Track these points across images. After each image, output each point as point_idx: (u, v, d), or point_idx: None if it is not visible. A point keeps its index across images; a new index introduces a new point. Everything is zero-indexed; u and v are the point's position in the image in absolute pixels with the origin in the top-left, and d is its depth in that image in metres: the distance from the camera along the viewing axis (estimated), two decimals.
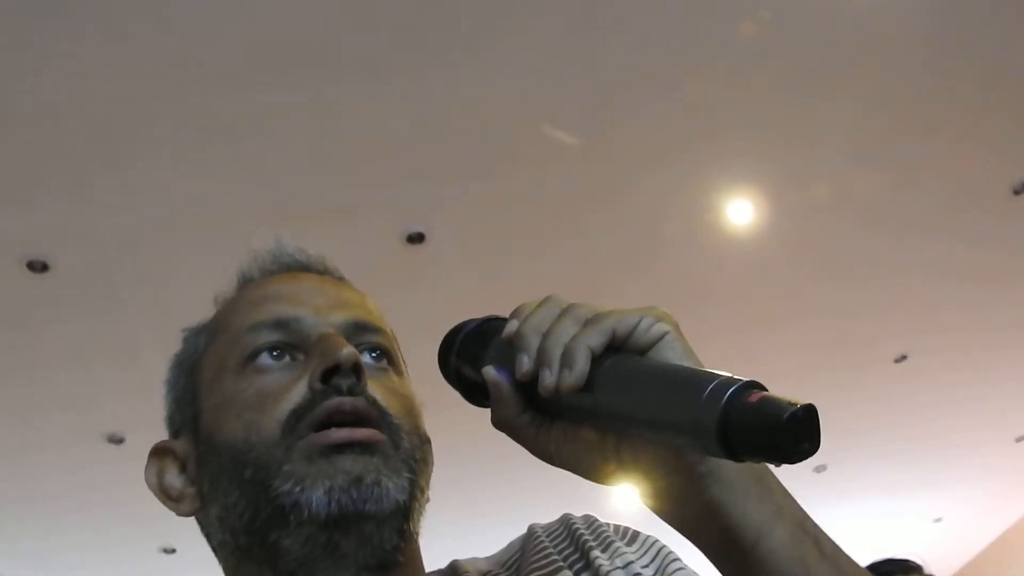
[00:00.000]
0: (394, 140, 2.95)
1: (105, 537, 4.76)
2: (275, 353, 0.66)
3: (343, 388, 0.63)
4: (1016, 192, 3.52)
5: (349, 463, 0.61)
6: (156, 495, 0.70)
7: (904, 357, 4.36)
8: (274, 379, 0.65)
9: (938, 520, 6.00)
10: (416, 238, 3.31)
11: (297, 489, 0.61)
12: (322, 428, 0.62)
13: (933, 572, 2.19)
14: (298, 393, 0.64)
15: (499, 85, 2.82)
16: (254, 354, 0.66)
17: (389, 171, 3.05)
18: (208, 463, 0.67)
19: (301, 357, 0.66)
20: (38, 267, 3.15)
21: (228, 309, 0.72)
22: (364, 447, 0.62)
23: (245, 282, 0.74)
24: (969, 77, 3.04)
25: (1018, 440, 5.24)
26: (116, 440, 4.01)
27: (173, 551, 4.79)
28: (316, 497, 0.60)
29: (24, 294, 3.25)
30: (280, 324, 0.67)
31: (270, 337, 0.67)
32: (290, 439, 0.62)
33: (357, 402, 0.63)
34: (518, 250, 3.44)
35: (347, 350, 0.63)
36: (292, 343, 0.67)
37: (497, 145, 3.03)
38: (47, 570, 5.04)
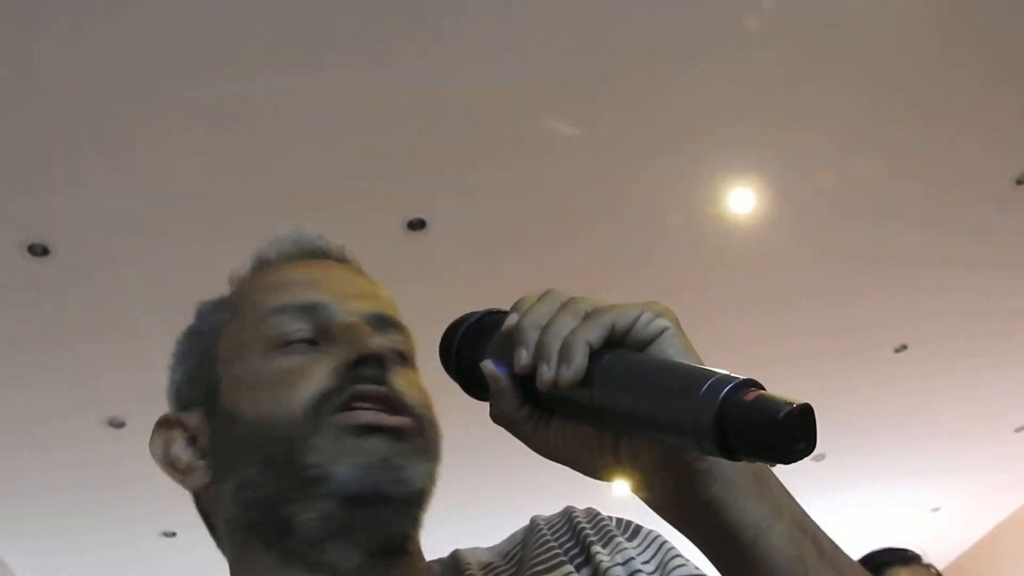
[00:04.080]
0: (395, 126, 2.94)
1: (106, 520, 4.78)
2: (300, 336, 0.67)
3: (370, 377, 0.65)
4: (1019, 182, 3.51)
5: (377, 444, 0.63)
6: (161, 467, 0.70)
7: (904, 347, 4.36)
8: (299, 360, 0.66)
9: (936, 510, 6.01)
10: (417, 224, 3.30)
11: (325, 463, 0.62)
12: (347, 410, 0.64)
13: (931, 561, 2.19)
14: (324, 376, 0.65)
15: (500, 72, 2.81)
16: (279, 335, 0.67)
17: (390, 157, 3.05)
18: (225, 437, 0.67)
19: (324, 343, 0.67)
20: (39, 251, 3.15)
21: (250, 289, 0.73)
22: (392, 432, 0.64)
23: (263, 263, 0.74)
24: (972, 67, 3.03)
25: (1017, 430, 5.25)
26: (117, 424, 4.02)
27: (173, 534, 4.81)
28: (343, 472, 0.62)
29: (24, 278, 3.25)
30: (306, 308, 0.68)
31: (296, 321, 0.68)
32: (317, 418, 0.63)
33: (382, 390, 0.65)
34: (518, 237, 3.44)
35: (375, 342, 0.65)
36: (316, 329, 0.68)
37: (498, 132, 3.02)
38: (48, 553, 5.06)
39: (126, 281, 3.33)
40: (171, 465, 0.69)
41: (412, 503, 0.64)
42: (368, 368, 0.65)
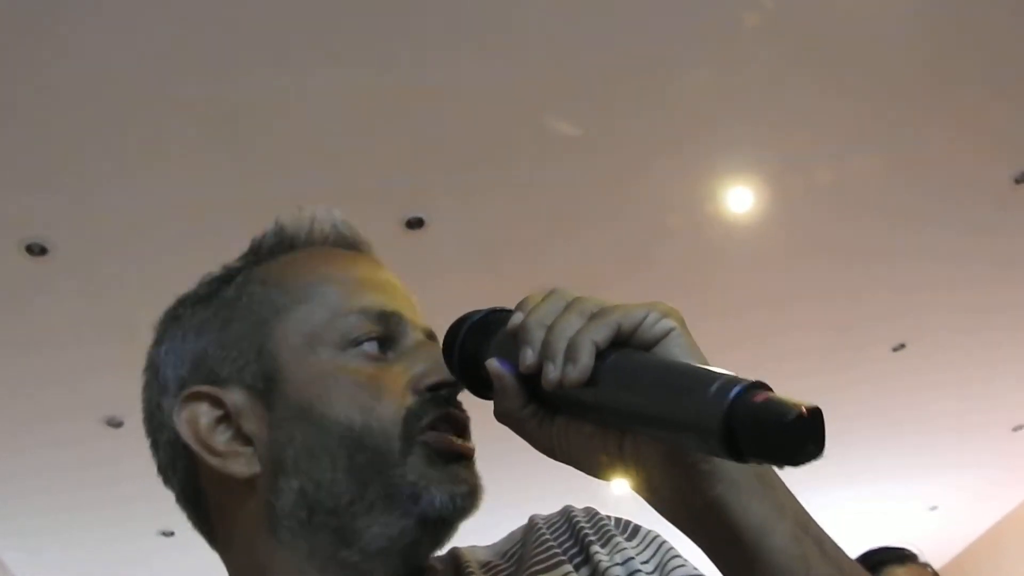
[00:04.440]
0: (394, 126, 2.94)
1: (104, 520, 4.78)
2: (377, 344, 0.67)
3: (452, 401, 0.66)
4: (1017, 181, 3.51)
5: (465, 473, 0.65)
6: (193, 444, 0.65)
7: (902, 345, 4.36)
8: (374, 367, 0.66)
9: (934, 508, 6.02)
10: (415, 223, 3.30)
11: (421, 483, 0.63)
12: (433, 429, 0.65)
13: (928, 560, 2.19)
14: (402, 390, 0.65)
15: (500, 72, 2.81)
16: (355, 338, 0.66)
17: (389, 156, 3.05)
18: (294, 432, 0.64)
19: (389, 352, 0.67)
20: (36, 251, 3.15)
21: (312, 275, 0.69)
22: (469, 459, 0.66)
23: (294, 243, 0.72)
24: (971, 65, 3.03)
25: (1015, 429, 5.26)
26: (115, 424, 4.02)
27: (171, 534, 4.81)
28: (440, 499, 0.63)
29: (22, 278, 3.25)
30: (383, 316, 0.68)
31: (372, 325, 0.67)
32: (410, 436, 0.64)
33: (466, 417, 0.66)
34: (517, 237, 3.44)
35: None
36: (387, 336, 0.68)
37: (497, 132, 3.02)
38: (46, 552, 5.06)
39: (124, 281, 3.33)
40: (203, 445, 0.65)
41: (460, 523, 0.66)
42: (445, 391, 0.65)
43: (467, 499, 0.64)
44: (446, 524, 0.65)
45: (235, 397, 0.66)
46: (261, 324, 0.67)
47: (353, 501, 0.63)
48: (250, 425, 0.65)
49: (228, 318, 0.68)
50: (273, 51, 2.65)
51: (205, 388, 0.66)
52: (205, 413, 0.66)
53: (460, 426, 0.66)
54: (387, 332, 0.67)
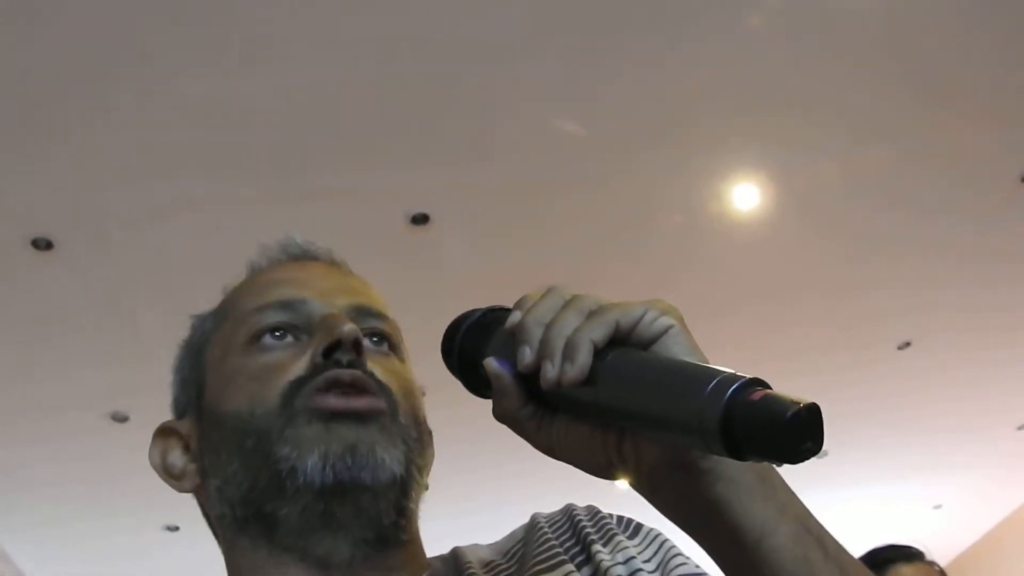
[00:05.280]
0: (398, 121, 2.94)
1: (108, 514, 4.79)
2: (278, 333, 0.68)
3: (343, 362, 0.65)
4: (1023, 179, 3.50)
5: (344, 431, 0.63)
6: (159, 474, 0.71)
7: (908, 344, 4.35)
8: (278, 356, 0.67)
9: (938, 507, 6.01)
10: (420, 219, 3.30)
11: (294, 455, 0.62)
12: (321, 394, 0.64)
13: (934, 558, 2.19)
14: (300, 366, 0.66)
15: (502, 68, 2.81)
16: (259, 333, 0.68)
17: (393, 152, 3.05)
18: (210, 437, 0.68)
19: (305, 338, 0.68)
20: (42, 245, 3.15)
21: (236, 294, 0.74)
22: (361, 417, 0.63)
23: (253, 271, 0.75)
24: (982, 63, 3.02)
25: (1020, 428, 5.24)
26: (120, 419, 4.03)
27: (176, 528, 4.82)
28: (311, 463, 0.62)
29: (28, 272, 3.25)
30: (286, 305, 0.69)
31: (276, 317, 0.68)
32: (290, 406, 0.64)
33: (356, 373, 0.65)
34: (521, 232, 3.44)
35: (348, 326, 0.65)
36: (297, 324, 0.68)
37: (501, 127, 3.02)
38: (51, 547, 5.07)
39: (130, 276, 3.34)
40: (167, 472, 0.71)
41: (390, 490, 0.63)
42: (343, 354, 0.65)
43: (345, 458, 0.61)
44: (342, 490, 0.62)
45: (186, 424, 0.72)
46: (200, 353, 0.72)
47: (252, 488, 0.64)
48: (194, 444, 0.71)
49: (184, 357, 0.75)
50: (277, 46, 2.65)
51: (167, 424, 0.73)
52: (173, 446, 0.72)
53: (352, 384, 0.64)
54: (292, 320, 0.68)
